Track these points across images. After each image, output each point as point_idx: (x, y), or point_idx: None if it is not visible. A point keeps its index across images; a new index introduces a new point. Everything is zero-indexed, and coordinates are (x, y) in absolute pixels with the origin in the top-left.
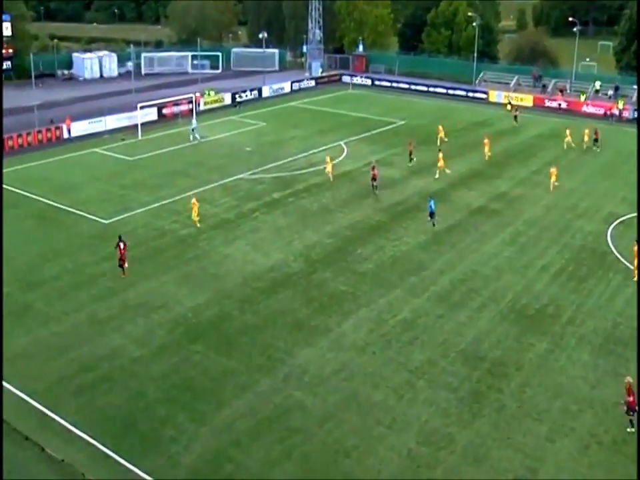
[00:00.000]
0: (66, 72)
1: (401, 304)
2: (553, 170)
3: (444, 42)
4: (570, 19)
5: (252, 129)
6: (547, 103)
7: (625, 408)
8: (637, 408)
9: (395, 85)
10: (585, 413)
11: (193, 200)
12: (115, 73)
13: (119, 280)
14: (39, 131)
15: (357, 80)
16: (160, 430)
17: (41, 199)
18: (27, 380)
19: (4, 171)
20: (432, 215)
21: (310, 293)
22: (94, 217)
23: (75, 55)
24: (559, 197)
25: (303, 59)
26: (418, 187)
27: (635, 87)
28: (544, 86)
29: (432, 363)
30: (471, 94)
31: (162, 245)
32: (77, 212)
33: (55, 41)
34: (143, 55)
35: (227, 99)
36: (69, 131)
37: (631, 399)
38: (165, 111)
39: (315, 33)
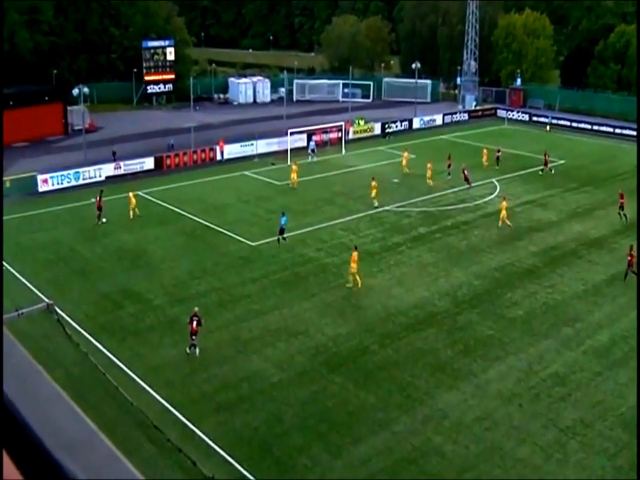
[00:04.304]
0: (222, 96)
1: (553, 356)
2: None
3: (612, 77)
4: None
5: (400, 160)
6: None
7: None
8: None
9: (554, 121)
10: None
11: (130, 194)
12: (268, 99)
13: (262, 302)
14: (195, 152)
15: (513, 115)
16: (295, 457)
17: (192, 217)
18: (171, 390)
19: (161, 188)
20: (282, 231)
21: (454, 335)
22: (241, 239)
23: (230, 79)
24: None
25: (457, 91)
26: (575, 231)
27: None
28: None
29: (586, 424)
30: None
31: (305, 272)
32: (225, 232)
33: (213, 65)
34: (295, 81)
35: (377, 129)
36: (222, 153)
37: (193, 326)
38: (314, 138)
39: (470, 64)
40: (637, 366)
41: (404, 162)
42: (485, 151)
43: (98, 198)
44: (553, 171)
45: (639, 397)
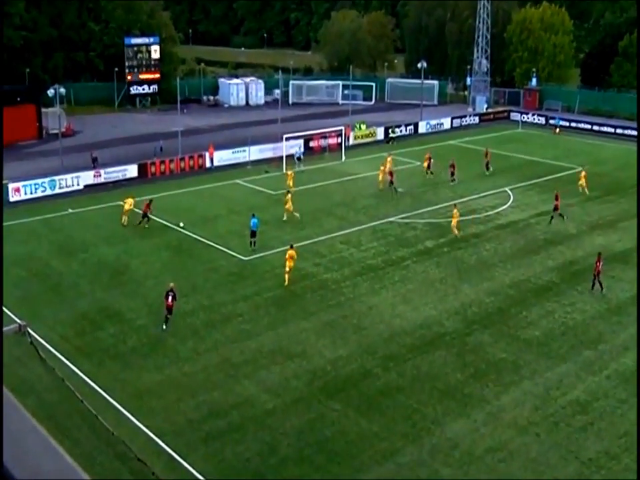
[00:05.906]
0: (211, 98)
1: (573, 381)
2: None
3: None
4: None
5: (405, 167)
6: None
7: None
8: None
9: (574, 125)
10: None
11: (130, 201)
12: (262, 101)
13: (255, 322)
14: (182, 158)
15: (528, 118)
16: None
17: (179, 229)
18: (156, 419)
19: (145, 197)
20: (253, 234)
21: (464, 357)
22: (232, 253)
23: (221, 80)
24: None
25: (466, 93)
26: (597, 244)
27: None
28: None
29: (611, 456)
30: None
31: (302, 289)
32: (215, 246)
33: (202, 64)
34: (291, 82)
35: (379, 134)
36: (212, 160)
37: (169, 301)
38: (312, 143)
39: (481, 63)
40: (637, 373)
41: (388, 166)
42: (427, 155)
43: (146, 204)
44: (490, 169)
45: (639, 406)
